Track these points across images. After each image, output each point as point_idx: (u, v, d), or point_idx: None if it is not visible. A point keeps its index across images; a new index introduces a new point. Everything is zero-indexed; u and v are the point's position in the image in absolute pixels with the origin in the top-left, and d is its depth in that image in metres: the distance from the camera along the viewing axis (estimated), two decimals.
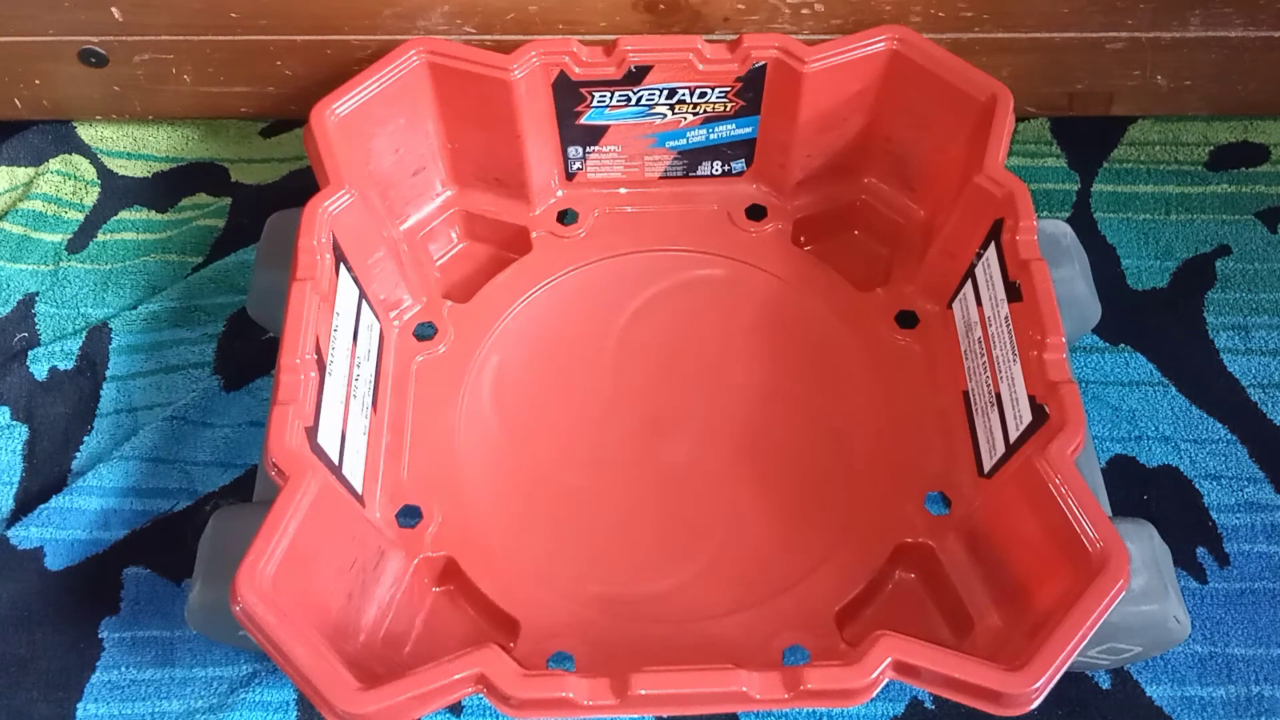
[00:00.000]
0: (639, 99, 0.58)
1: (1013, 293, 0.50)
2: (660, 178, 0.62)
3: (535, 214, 0.61)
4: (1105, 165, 0.68)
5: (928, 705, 0.52)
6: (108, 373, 0.62)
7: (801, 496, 0.53)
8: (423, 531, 0.51)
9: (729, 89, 0.57)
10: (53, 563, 0.56)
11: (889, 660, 0.40)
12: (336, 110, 0.53)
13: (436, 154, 0.59)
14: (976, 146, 0.53)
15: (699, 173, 0.62)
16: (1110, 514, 0.50)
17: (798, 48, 0.55)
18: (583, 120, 0.58)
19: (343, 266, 0.52)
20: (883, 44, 0.55)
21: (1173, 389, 0.60)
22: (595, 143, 0.60)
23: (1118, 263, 0.65)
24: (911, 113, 0.56)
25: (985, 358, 0.52)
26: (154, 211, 0.69)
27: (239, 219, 0.68)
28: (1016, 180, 0.51)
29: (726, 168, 0.61)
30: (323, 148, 0.52)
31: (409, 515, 0.52)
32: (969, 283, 0.54)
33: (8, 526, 0.57)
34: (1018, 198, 0.50)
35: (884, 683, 0.41)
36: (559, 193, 0.62)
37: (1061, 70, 0.63)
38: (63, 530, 0.57)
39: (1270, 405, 0.60)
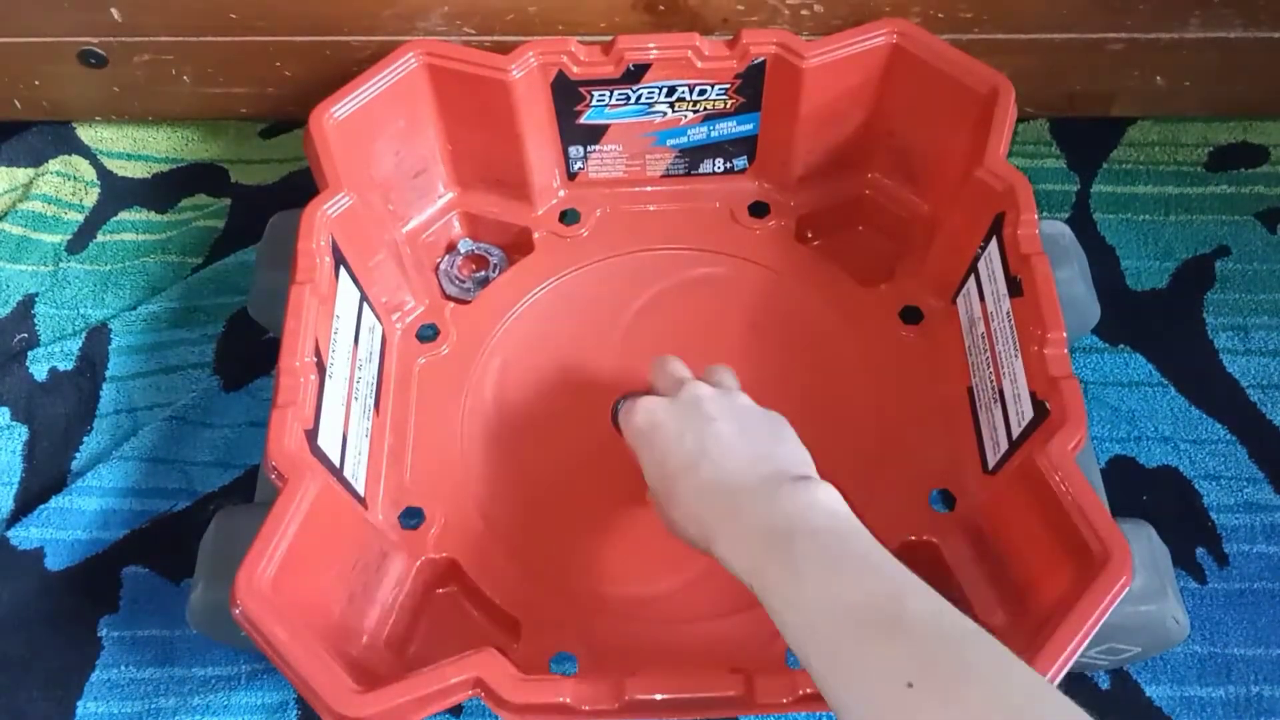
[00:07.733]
0: (638, 97, 0.57)
1: (1014, 287, 0.50)
2: (662, 176, 0.62)
3: (537, 214, 0.61)
4: (1105, 166, 0.68)
5: None
6: (107, 373, 0.62)
7: None
8: (425, 533, 0.51)
9: (729, 86, 0.57)
10: (53, 563, 0.56)
11: None
12: (335, 114, 0.53)
13: (437, 156, 0.59)
14: (978, 140, 0.53)
15: (701, 170, 0.62)
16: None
17: (797, 43, 0.55)
18: (583, 120, 0.58)
19: (343, 269, 0.52)
20: (882, 38, 0.55)
21: (1172, 389, 0.60)
22: (596, 142, 0.60)
23: (1117, 263, 0.65)
24: (913, 106, 0.56)
25: (989, 353, 0.52)
26: (154, 212, 0.69)
27: (239, 220, 0.68)
28: (1017, 174, 0.51)
29: (728, 165, 0.61)
30: (321, 151, 0.52)
31: (411, 517, 0.52)
32: (972, 277, 0.54)
33: (8, 527, 0.57)
34: (1018, 191, 0.50)
35: None
36: (561, 193, 0.62)
37: (1061, 70, 0.63)
38: (63, 530, 0.57)
39: (1270, 405, 0.60)
